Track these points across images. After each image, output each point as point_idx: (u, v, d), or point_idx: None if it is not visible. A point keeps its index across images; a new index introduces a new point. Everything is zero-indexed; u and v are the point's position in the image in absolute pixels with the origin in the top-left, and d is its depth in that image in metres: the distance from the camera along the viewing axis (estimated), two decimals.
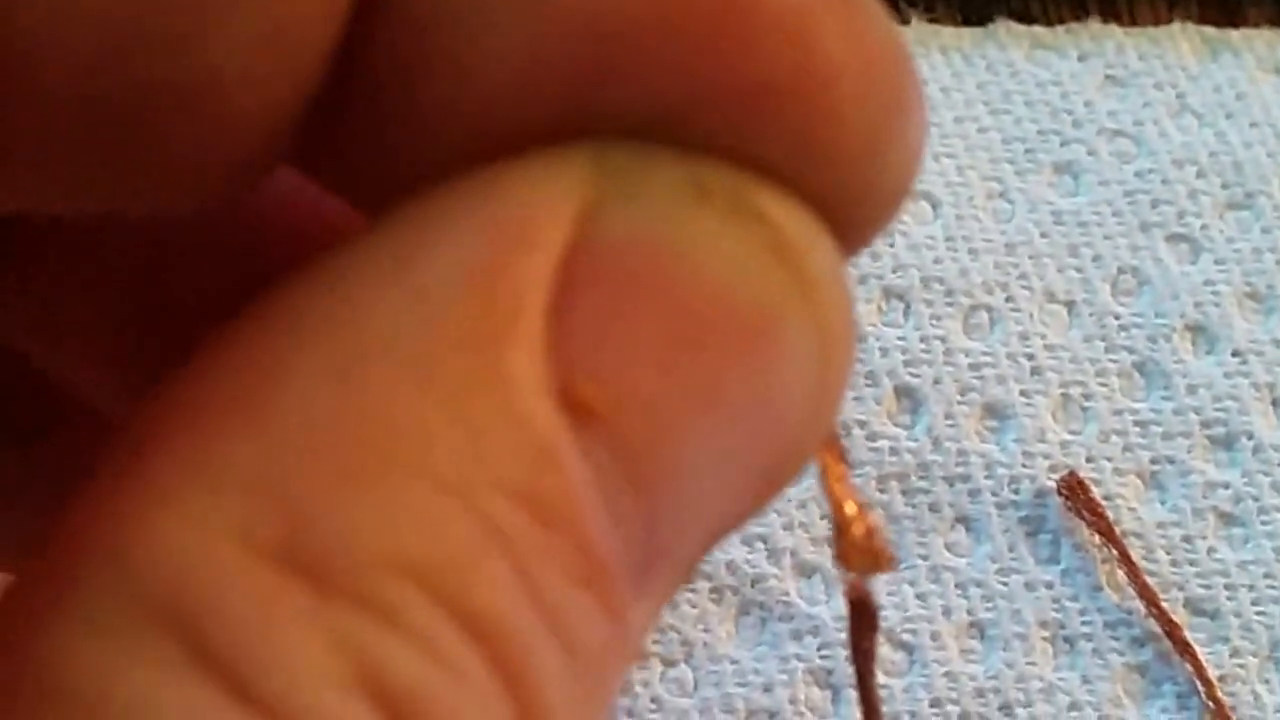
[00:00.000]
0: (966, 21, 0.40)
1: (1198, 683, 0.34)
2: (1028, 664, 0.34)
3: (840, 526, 0.20)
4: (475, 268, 0.15)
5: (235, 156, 0.16)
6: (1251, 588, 0.35)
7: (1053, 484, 0.35)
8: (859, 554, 0.20)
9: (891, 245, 0.37)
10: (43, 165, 0.16)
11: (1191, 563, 0.35)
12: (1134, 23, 0.40)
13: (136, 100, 0.15)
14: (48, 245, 0.22)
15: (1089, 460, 0.36)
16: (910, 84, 0.17)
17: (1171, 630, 0.34)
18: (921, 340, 0.37)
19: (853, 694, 0.33)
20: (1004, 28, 0.40)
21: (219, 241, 0.21)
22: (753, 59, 0.16)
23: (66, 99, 0.15)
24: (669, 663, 0.34)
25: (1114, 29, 0.40)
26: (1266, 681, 0.34)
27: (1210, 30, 0.40)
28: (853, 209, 0.17)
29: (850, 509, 0.20)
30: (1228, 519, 0.36)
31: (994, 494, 0.35)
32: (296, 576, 0.14)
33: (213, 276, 0.21)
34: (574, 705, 0.15)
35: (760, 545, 0.35)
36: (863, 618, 0.23)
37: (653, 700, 0.33)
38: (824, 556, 0.35)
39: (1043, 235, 0.38)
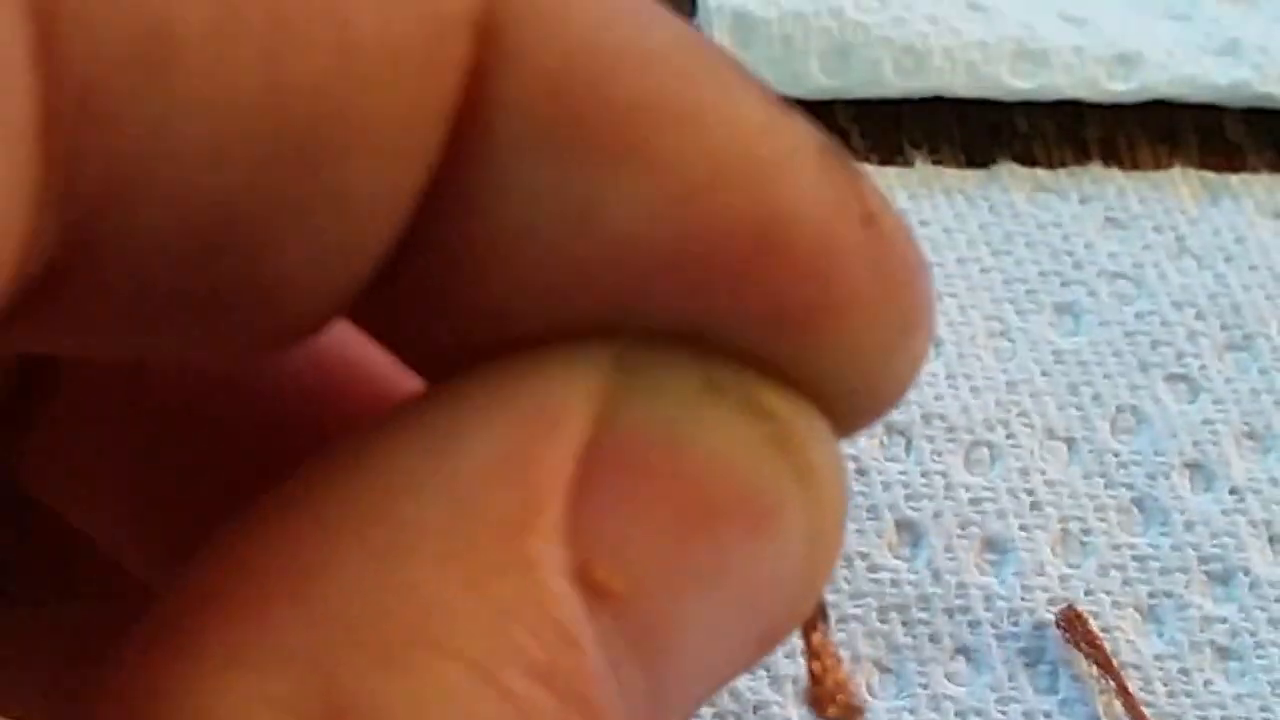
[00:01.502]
0: (970, 163, 0.41)
1: None
2: None
3: (815, 676, 0.22)
4: (503, 458, 0.17)
5: (295, 328, 0.18)
6: (1247, 719, 0.36)
7: (1051, 616, 0.36)
8: (830, 704, 0.22)
9: None
10: (125, 329, 0.18)
11: (1188, 695, 0.36)
12: (1135, 167, 0.41)
13: (217, 290, 0.17)
14: (88, 399, 0.23)
15: (1088, 593, 0.37)
16: (923, 304, 0.19)
17: None
18: (922, 475, 0.38)
19: None
20: (1007, 170, 0.41)
21: (255, 405, 0.23)
22: (775, 290, 0.17)
23: (156, 283, 0.17)
24: None
25: (1115, 173, 0.41)
26: None
27: (1210, 175, 0.41)
28: (855, 407, 0.18)
29: (826, 662, 0.21)
30: (1224, 653, 0.36)
31: (993, 625, 0.36)
32: None
33: (251, 439, 0.22)
34: None
35: (763, 673, 0.35)
36: None
37: None
38: None
39: (1043, 374, 0.39)
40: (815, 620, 0.21)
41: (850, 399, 0.18)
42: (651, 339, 0.18)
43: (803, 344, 0.18)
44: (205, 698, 0.16)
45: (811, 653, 0.21)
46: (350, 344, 0.23)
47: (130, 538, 0.24)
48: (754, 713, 0.35)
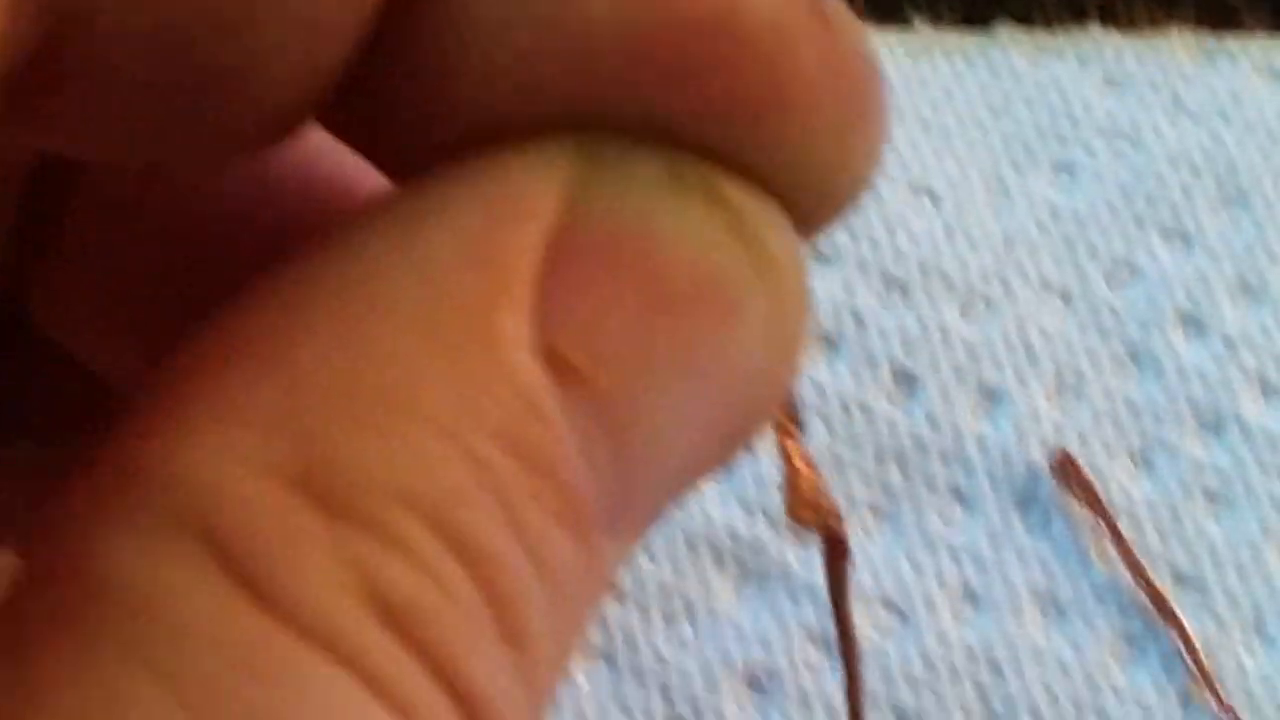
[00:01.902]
0: (968, 22, 0.41)
1: (1183, 650, 0.35)
2: (1018, 629, 0.35)
3: (791, 483, 0.22)
4: (472, 240, 0.18)
5: (272, 120, 0.19)
6: (1237, 563, 0.36)
7: (1045, 462, 0.37)
8: (806, 508, 0.22)
9: (892, 236, 0.39)
10: (106, 123, 0.19)
11: (1179, 538, 0.36)
12: (1132, 27, 0.42)
13: (191, 78, 0.18)
14: (96, 226, 0.24)
15: (1081, 440, 0.37)
16: (875, 97, 0.19)
17: (1158, 601, 0.35)
18: (920, 326, 0.38)
19: None
20: (1005, 32, 0.41)
21: (247, 212, 0.23)
22: (731, 78, 0.18)
23: (131, 75, 0.18)
24: (671, 620, 0.35)
25: (1112, 34, 0.42)
26: (1250, 651, 0.35)
27: (1206, 35, 0.42)
28: (813, 203, 0.19)
29: (801, 467, 0.22)
30: (1215, 498, 0.37)
31: (988, 471, 0.37)
32: (311, 502, 0.16)
33: (241, 248, 0.23)
34: (549, 625, 0.18)
35: (761, 514, 0.36)
36: (835, 549, 0.24)
37: (656, 656, 0.35)
38: None
39: (1040, 229, 0.40)
40: (788, 425, 0.22)
41: (806, 194, 0.19)
42: (616, 134, 0.18)
43: (757, 134, 0.18)
44: (181, 455, 0.17)
45: (786, 457, 0.22)
46: (336, 160, 0.23)
47: (135, 368, 0.24)
48: (752, 552, 0.36)
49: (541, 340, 0.18)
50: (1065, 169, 0.40)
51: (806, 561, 0.36)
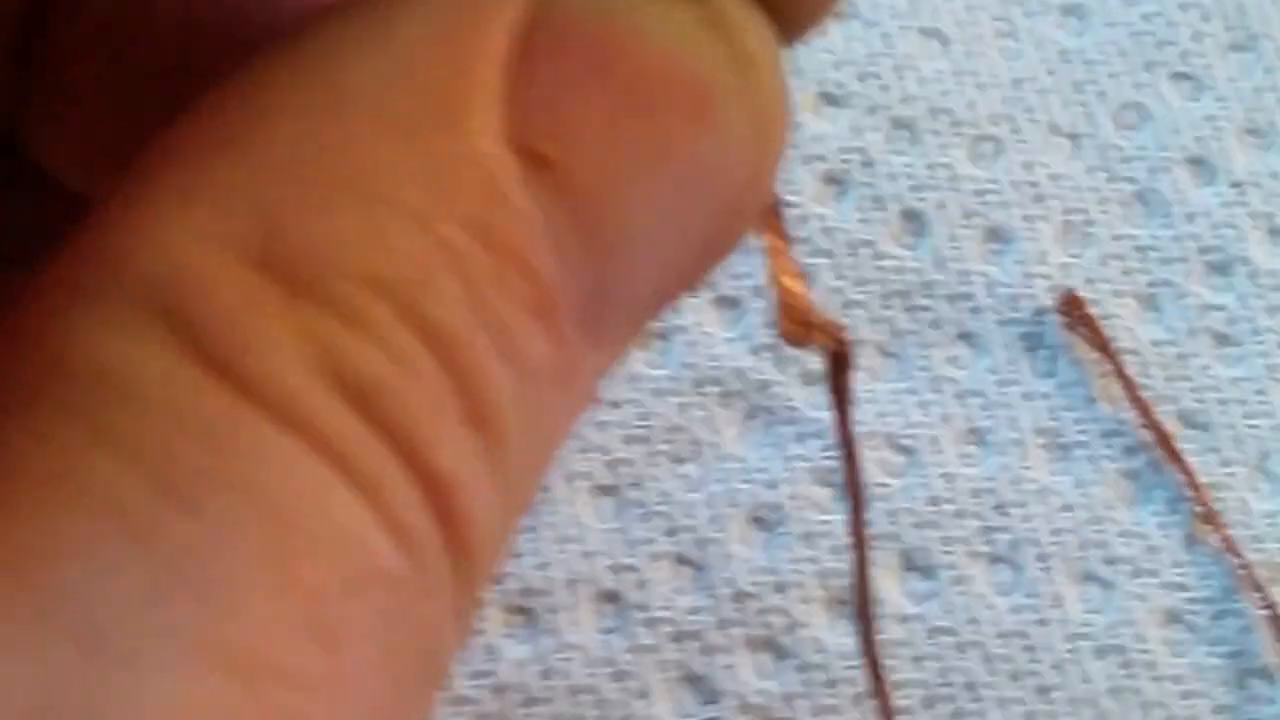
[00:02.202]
0: None
1: (1188, 489, 0.35)
2: (1023, 468, 0.35)
3: (779, 298, 0.22)
4: (440, 28, 0.17)
5: None
6: (1243, 402, 0.36)
7: (1052, 303, 0.37)
8: (796, 325, 0.22)
9: (901, 78, 0.39)
10: None
11: (1185, 379, 0.36)
12: None
13: None
14: (91, 39, 0.23)
15: (1088, 282, 0.37)
16: None
17: (1164, 440, 0.35)
18: (927, 167, 0.38)
19: None
20: None
21: (239, 28, 0.23)
22: None
23: None
24: (677, 459, 0.35)
25: None
26: (1255, 489, 0.35)
27: None
28: (794, 6, 0.19)
29: (790, 282, 0.22)
30: (1222, 339, 0.37)
31: (995, 311, 0.37)
32: (271, 279, 0.16)
33: (207, 54, 0.23)
34: (520, 419, 0.17)
35: (768, 354, 0.36)
36: (839, 360, 0.24)
37: (661, 494, 0.35)
38: None
39: (1049, 72, 0.39)
40: (775, 240, 0.21)
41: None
42: None
43: None
44: (142, 234, 0.16)
45: (772, 272, 0.21)
46: None
47: (93, 169, 0.24)
48: (758, 391, 0.36)
49: (511, 130, 0.17)
50: (1074, 12, 0.40)
51: (812, 401, 0.36)
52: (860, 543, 0.27)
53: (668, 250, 0.19)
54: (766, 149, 0.19)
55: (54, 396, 0.16)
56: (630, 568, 0.34)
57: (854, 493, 0.26)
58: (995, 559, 0.34)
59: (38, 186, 0.27)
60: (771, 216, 0.21)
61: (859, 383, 0.35)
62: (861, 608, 0.29)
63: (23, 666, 0.15)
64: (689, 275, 0.19)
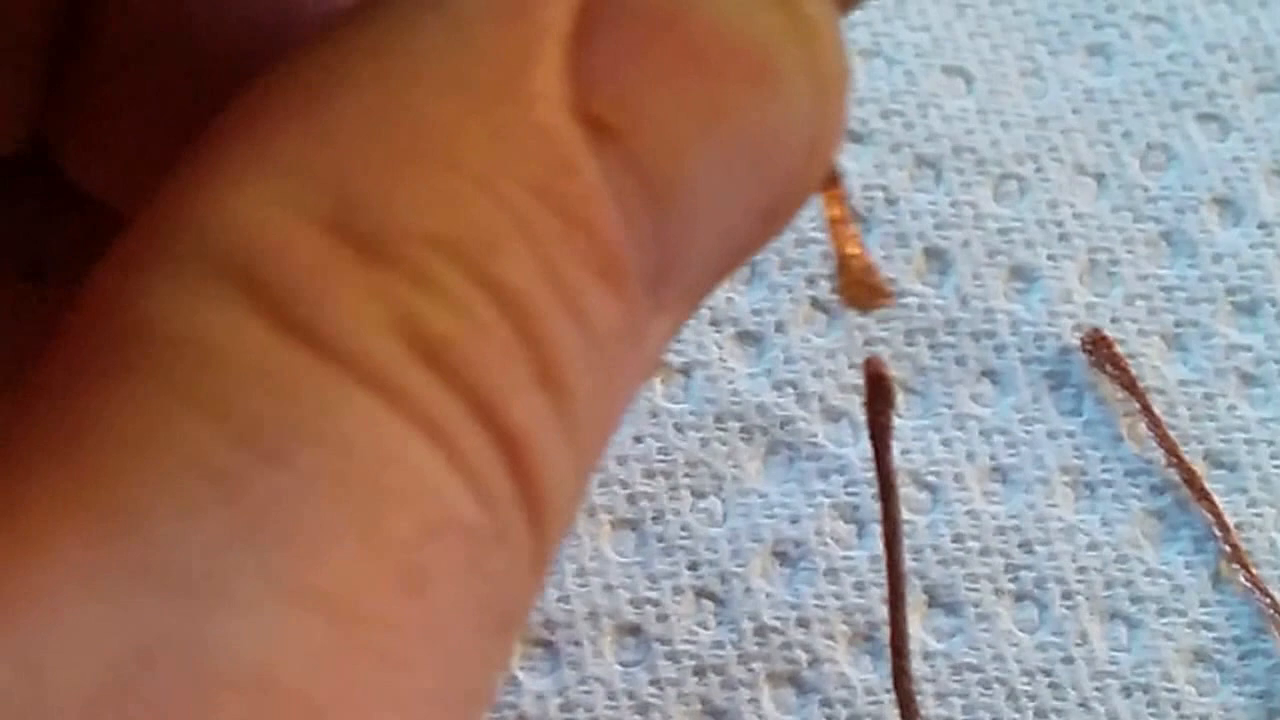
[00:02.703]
0: None
1: (1215, 528, 0.35)
2: (1048, 506, 0.35)
3: (841, 262, 0.22)
4: (505, 2, 0.18)
5: None
6: (1270, 443, 0.36)
7: (1077, 341, 0.36)
8: (858, 288, 0.22)
9: (924, 116, 0.39)
10: None
11: (1212, 418, 0.36)
12: None
13: None
14: (125, 56, 0.24)
15: (1114, 321, 0.37)
16: None
17: (1191, 479, 0.35)
18: (952, 205, 0.38)
19: (876, 528, 0.34)
20: None
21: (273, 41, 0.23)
22: None
23: None
24: (699, 494, 0.35)
25: None
26: None
27: None
28: None
29: (851, 248, 0.22)
30: (1249, 379, 0.36)
31: (1019, 349, 0.37)
32: (344, 242, 0.17)
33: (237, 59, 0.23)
34: (589, 380, 0.18)
35: (790, 390, 0.36)
36: (879, 391, 0.24)
37: (683, 528, 0.35)
38: (851, 404, 0.36)
39: (1074, 111, 0.39)
40: (837, 208, 0.22)
41: None
42: None
43: None
44: (216, 200, 0.17)
45: (834, 236, 0.21)
46: None
47: (131, 181, 0.24)
48: (781, 427, 0.36)
49: (576, 98, 0.17)
50: (1100, 52, 0.40)
51: (834, 436, 0.36)
52: (896, 580, 0.27)
53: (730, 216, 0.19)
54: (826, 115, 0.19)
55: (138, 360, 0.16)
56: (652, 601, 0.34)
57: (890, 527, 0.26)
58: (1020, 596, 0.34)
59: (72, 203, 0.27)
60: (832, 184, 0.22)
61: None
62: (895, 640, 0.28)
63: (123, 613, 0.15)
64: (751, 242, 0.20)
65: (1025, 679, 0.33)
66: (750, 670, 0.33)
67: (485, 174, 0.17)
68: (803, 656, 0.33)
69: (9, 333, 0.27)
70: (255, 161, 0.17)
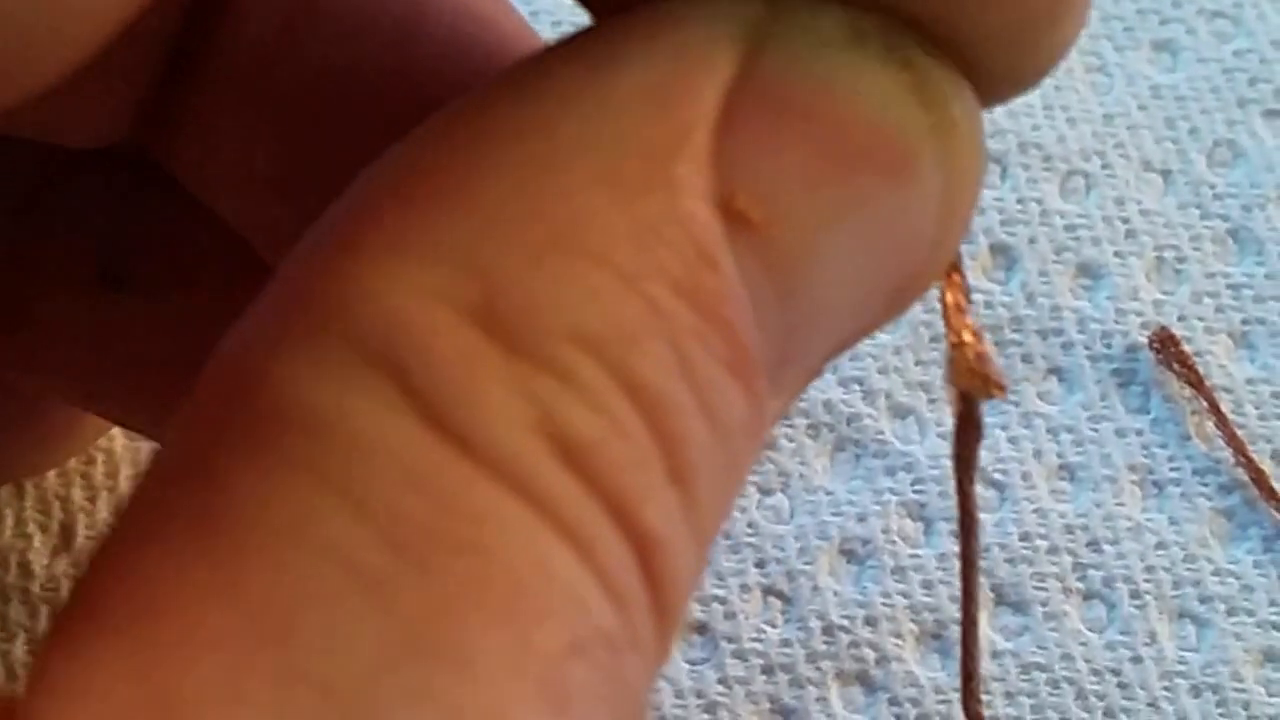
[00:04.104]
0: None
1: None
2: (1116, 505, 0.35)
3: (955, 349, 0.22)
4: (655, 86, 0.18)
5: None
6: None
7: (1144, 339, 0.36)
8: (970, 375, 0.22)
9: (990, 112, 0.38)
10: None
11: (1279, 417, 0.36)
12: None
13: None
14: (242, 68, 0.24)
15: (1181, 319, 0.37)
16: None
17: (1259, 478, 0.35)
18: (1018, 202, 0.38)
19: (943, 526, 0.34)
20: None
21: (402, 73, 0.23)
22: None
23: None
24: (766, 491, 0.35)
25: None
26: None
27: None
28: (999, 75, 0.19)
29: (966, 334, 0.22)
30: None
31: (1086, 347, 0.36)
32: (490, 336, 0.16)
33: (397, 109, 0.23)
34: (714, 473, 0.18)
35: (856, 387, 0.36)
36: (967, 428, 0.24)
37: (750, 525, 0.35)
38: (918, 400, 0.36)
39: (1140, 108, 0.39)
40: (954, 291, 0.22)
41: (996, 68, 0.19)
42: None
43: (960, 7, 0.18)
44: (363, 283, 0.17)
45: (948, 322, 0.21)
46: (486, 6, 0.23)
47: (270, 211, 0.24)
48: (848, 424, 0.36)
49: (717, 189, 0.17)
50: (1165, 48, 0.40)
51: (901, 434, 0.36)
52: (970, 605, 0.27)
53: (854, 305, 0.19)
54: (959, 211, 0.19)
55: (281, 446, 0.16)
56: (719, 599, 0.34)
57: (968, 560, 0.26)
58: (1088, 595, 0.34)
59: (151, 214, 0.27)
60: (952, 269, 0.22)
61: (947, 415, 0.35)
62: (966, 663, 0.28)
63: None
64: (870, 326, 0.20)
65: (1094, 678, 0.33)
66: (818, 669, 0.33)
67: (629, 268, 0.17)
68: (870, 655, 0.33)
69: (88, 336, 0.27)
70: (402, 243, 0.17)
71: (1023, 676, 0.33)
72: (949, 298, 0.22)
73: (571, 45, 0.18)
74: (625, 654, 0.17)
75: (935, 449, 0.35)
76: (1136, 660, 0.33)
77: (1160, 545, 0.35)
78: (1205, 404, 0.36)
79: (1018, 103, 0.38)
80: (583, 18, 0.20)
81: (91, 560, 0.16)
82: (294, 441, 0.16)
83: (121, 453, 0.35)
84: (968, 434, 0.24)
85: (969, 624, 0.27)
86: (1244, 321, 0.37)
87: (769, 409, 0.18)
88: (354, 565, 0.15)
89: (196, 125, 0.24)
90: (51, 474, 0.34)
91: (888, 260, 0.19)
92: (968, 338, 0.22)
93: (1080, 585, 0.34)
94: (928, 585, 0.34)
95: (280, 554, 0.15)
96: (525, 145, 0.17)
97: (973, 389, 0.22)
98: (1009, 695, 0.33)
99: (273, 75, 0.23)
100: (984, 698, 0.33)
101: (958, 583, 0.29)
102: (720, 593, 0.34)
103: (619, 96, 0.17)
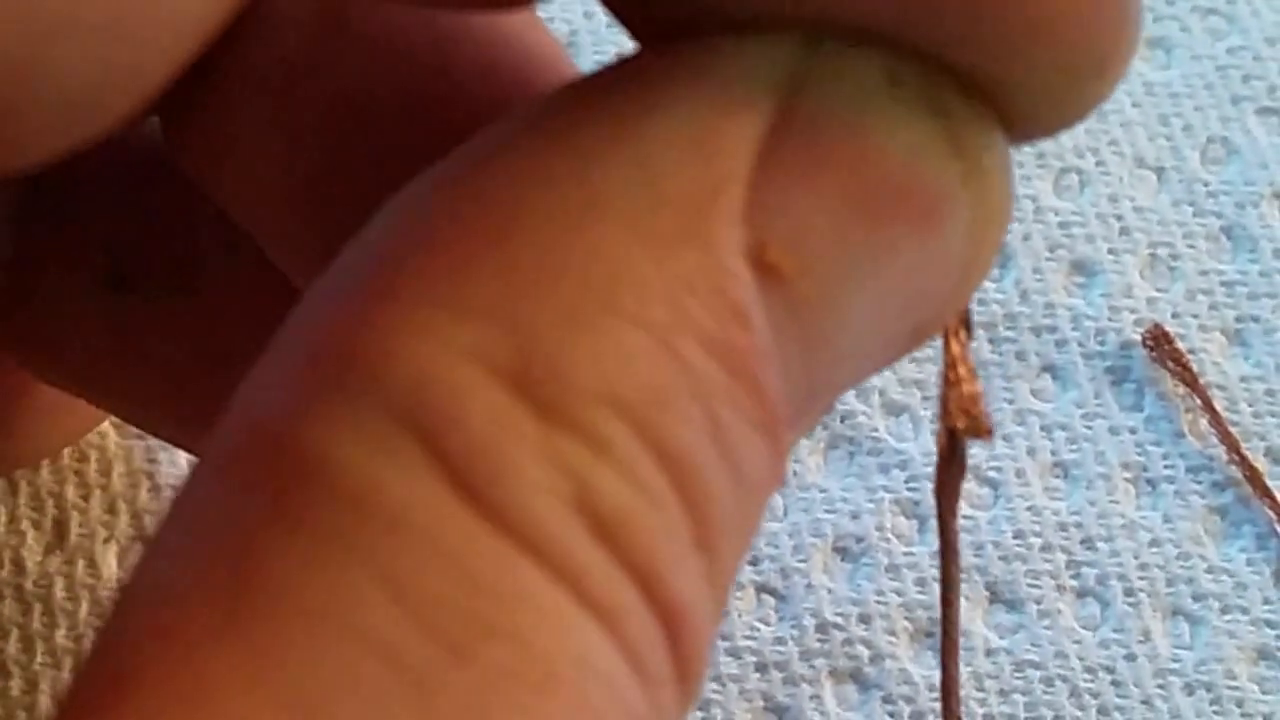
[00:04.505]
0: None
1: (1277, 525, 0.35)
2: (1110, 502, 0.35)
3: (950, 382, 0.22)
4: (690, 136, 0.17)
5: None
6: None
7: (1138, 336, 0.36)
8: (960, 414, 0.22)
9: None
10: None
11: (1273, 414, 0.36)
12: None
13: None
14: (264, 72, 0.23)
15: (1175, 317, 0.37)
16: (1129, 36, 0.18)
17: (1253, 475, 0.35)
18: (1012, 199, 0.38)
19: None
20: None
21: (427, 88, 0.23)
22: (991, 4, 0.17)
23: None
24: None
25: None
26: None
27: None
28: (1032, 123, 0.19)
29: (962, 373, 0.22)
30: None
31: (1080, 344, 0.36)
32: (525, 401, 0.16)
33: (420, 121, 0.23)
34: (736, 530, 0.17)
35: None
36: (951, 465, 0.24)
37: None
38: (912, 397, 0.36)
39: (1134, 105, 0.39)
40: (958, 328, 0.21)
41: (1031, 114, 0.19)
42: (842, 33, 0.18)
43: (1002, 57, 0.18)
44: (395, 342, 0.16)
45: (949, 360, 0.21)
46: (520, 31, 0.23)
47: (285, 222, 0.24)
48: (841, 421, 0.36)
49: (750, 241, 0.17)
50: (1159, 45, 0.40)
51: (895, 431, 0.36)
52: (951, 626, 0.27)
53: (873, 348, 0.19)
54: (981, 255, 0.19)
55: (317, 520, 0.16)
56: None
57: (948, 589, 0.26)
58: (1082, 593, 0.34)
59: (158, 219, 0.26)
60: (961, 311, 0.21)
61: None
62: (947, 683, 0.28)
63: None
64: (886, 363, 0.19)
65: (1087, 676, 0.33)
66: (812, 666, 0.33)
67: (663, 326, 0.16)
68: (864, 653, 0.33)
69: (90, 338, 0.27)
70: (433, 296, 0.16)
71: (1016, 674, 0.33)
72: (952, 336, 0.22)
73: (608, 82, 0.18)
74: None
75: (929, 446, 0.35)
76: (1130, 658, 0.33)
77: (1154, 543, 0.35)
78: (1199, 401, 0.36)
79: None
80: (620, 43, 0.19)
81: (115, 616, 0.16)
82: (328, 514, 0.15)
83: (115, 450, 0.35)
84: (951, 470, 0.24)
85: (949, 645, 0.27)
86: (1238, 319, 0.37)
87: (787, 451, 0.18)
88: (392, 656, 0.15)
89: (218, 128, 0.23)
90: (45, 470, 0.34)
91: (912, 305, 0.18)
92: (965, 378, 0.22)
93: (1074, 583, 0.34)
94: (921, 583, 0.34)
95: (319, 642, 0.15)
96: (560, 196, 0.17)
97: (961, 428, 0.22)
98: (1003, 693, 0.33)
99: (300, 87, 0.23)
100: (978, 695, 0.33)
101: None
102: None
103: (655, 146, 0.17)
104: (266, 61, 0.23)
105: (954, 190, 0.18)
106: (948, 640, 0.27)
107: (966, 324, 0.22)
